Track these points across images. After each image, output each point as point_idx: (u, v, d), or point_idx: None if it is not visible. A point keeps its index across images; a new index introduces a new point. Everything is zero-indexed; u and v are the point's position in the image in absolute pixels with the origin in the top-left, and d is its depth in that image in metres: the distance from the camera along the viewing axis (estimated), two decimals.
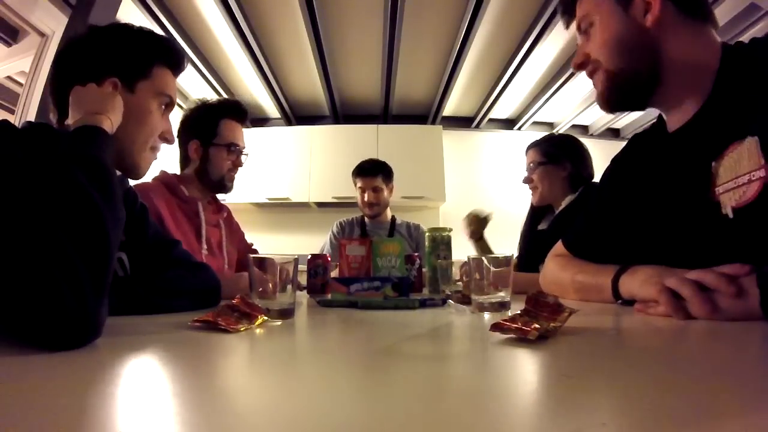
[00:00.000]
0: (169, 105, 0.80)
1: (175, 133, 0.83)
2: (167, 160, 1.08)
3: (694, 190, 0.68)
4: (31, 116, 2.07)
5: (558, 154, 1.51)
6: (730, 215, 0.62)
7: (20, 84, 2.59)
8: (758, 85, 0.61)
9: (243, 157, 1.41)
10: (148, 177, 0.96)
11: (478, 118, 4.00)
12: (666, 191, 0.74)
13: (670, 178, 0.74)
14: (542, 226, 1.57)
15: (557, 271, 0.88)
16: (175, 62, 0.81)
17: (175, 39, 0.83)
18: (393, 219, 2.25)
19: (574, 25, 0.80)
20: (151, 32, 0.78)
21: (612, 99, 0.75)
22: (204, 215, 1.33)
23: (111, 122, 0.64)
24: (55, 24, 2.12)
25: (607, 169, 0.90)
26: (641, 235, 0.78)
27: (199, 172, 1.36)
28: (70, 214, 0.45)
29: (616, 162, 0.88)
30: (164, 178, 1.33)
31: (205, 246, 1.30)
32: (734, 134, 0.63)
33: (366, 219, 2.24)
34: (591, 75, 0.77)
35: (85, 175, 0.50)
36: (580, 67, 0.78)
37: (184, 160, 1.39)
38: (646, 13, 0.69)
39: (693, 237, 0.62)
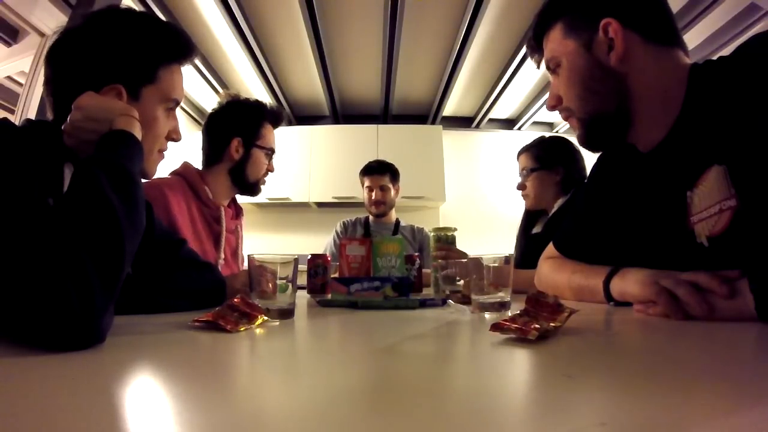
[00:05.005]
0: (176, 105, 0.75)
1: (184, 128, 0.80)
2: (187, 151, 0.97)
3: (670, 218, 0.69)
4: (31, 116, 2.07)
5: (550, 158, 1.51)
6: (705, 244, 0.63)
7: (20, 84, 2.59)
8: (723, 109, 0.61)
9: (273, 163, 1.39)
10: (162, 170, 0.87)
11: (478, 118, 4.00)
12: (643, 215, 0.75)
13: (647, 202, 0.75)
14: (536, 230, 1.56)
15: (552, 273, 0.88)
16: (182, 56, 0.75)
17: (179, 26, 0.76)
18: (397, 221, 2.25)
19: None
20: (154, 23, 0.72)
21: (591, 142, 0.77)
22: (224, 222, 1.26)
23: (140, 127, 0.62)
24: (55, 24, 2.12)
25: (593, 169, 0.90)
26: (624, 242, 0.79)
27: (234, 170, 1.29)
28: (87, 219, 0.45)
29: (601, 165, 0.88)
30: (188, 176, 1.23)
31: (222, 255, 1.25)
32: (705, 161, 0.63)
33: (370, 219, 2.24)
34: (566, 119, 0.78)
35: (109, 181, 0.49)
36: (554, 108, 0.79)
37: (216, 156, 1.29)
38: (611, 50, 0.68)
39: (671, 262, 0.63)
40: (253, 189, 1.34)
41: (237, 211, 1.38)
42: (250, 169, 1.31)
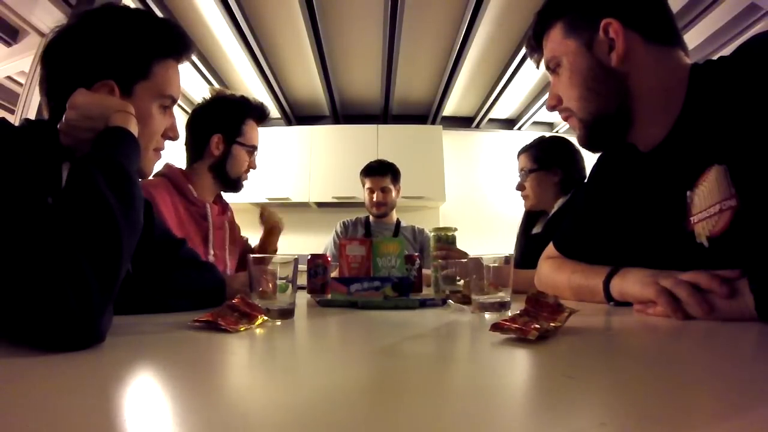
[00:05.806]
0: (173, 103, 0.74)
1: (181, 124, 0.79)
2: (170, 150, 0.97)
3: (670, 218, 0.69)
4: (31, 116, 2.07)
5: (549, 159, 1.50)
6: (705, 244, 0.63)
7: (20, 84, 2.59)
8: (724, 109, 0.61)
9: (256, 159, 1.39)
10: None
11: (478, 118, 4.00)
12: (643, 216, 0.75)
13: (646, 202, 0.75)
14: (536, 230, 1.56)
15: (551, 272, 0.88)
16: (177, 51, 0.73)
17: (176, 22, 0.74)
18: (398, 222, 2.25)
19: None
20: (148, 18, 0.70)
21: (592, 143, 0.77)
22: (211, 218, 1.28)
23: (136, 123, 0.62)
24: (54, 23, 2.12)
25: (593, 169, 0.90)
26: (624, 242, 0.79)
27: (216, 167, 1.29)
28: (83, 218, 0.45)
29: (601, 165, 0.88)
30: (172, 176, 1.24)
31: (212, 251, 1.26)
32: (706, 161, 0.63)
33: (371, 219, 2.23)
34: (565, 119, 0.78)
35: (105, 180, 0.49)
36: (554, 109, 0.79)
37: (198, 153, 1.30)
38: (611, 50, 0.68)
39: (671, 262, 0.63)
40: (235, 185, 1.34)
41: (223, 207, 1.38)
42: (231, 165, 1.31)
